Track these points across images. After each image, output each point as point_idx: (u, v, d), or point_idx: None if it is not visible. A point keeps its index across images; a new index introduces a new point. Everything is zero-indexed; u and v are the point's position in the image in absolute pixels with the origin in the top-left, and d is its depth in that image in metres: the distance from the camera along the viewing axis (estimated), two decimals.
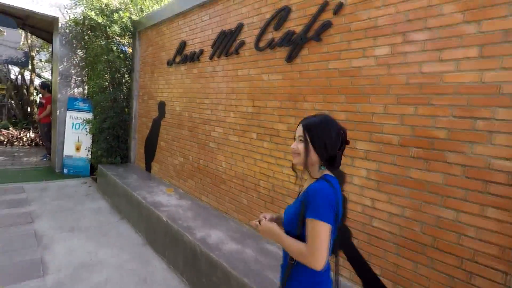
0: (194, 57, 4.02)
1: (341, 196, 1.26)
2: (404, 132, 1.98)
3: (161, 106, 4.91)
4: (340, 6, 2.31)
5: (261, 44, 3.00)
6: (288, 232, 1.26)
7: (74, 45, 6.51)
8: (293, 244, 1.20)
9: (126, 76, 5.91)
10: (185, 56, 4.22)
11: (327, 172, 1.27)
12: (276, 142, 2.85)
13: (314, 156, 1.23)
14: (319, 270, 1.13)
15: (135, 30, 5.66)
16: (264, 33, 2.96)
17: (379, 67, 2.10)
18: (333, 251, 1.31)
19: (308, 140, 1.23)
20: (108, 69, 5.73)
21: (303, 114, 2.59)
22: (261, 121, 3.01)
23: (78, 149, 6.51)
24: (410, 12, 1.94)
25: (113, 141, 5.73)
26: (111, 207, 4.78)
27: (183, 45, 4.26)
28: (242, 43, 3.23)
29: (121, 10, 5.50)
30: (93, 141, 6.33)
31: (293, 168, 1.38)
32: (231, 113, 3.41)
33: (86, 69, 6.64)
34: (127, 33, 5.78)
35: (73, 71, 6.60)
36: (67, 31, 6.35)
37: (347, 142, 1.27)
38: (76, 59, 6.61)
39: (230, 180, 3.43)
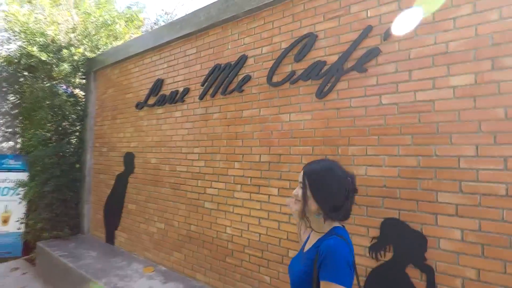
0: (176, 98, 3.32)
1: (353, 250, 1.12)
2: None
3: (128, 158, 3.98)
4: (389, 31, 1.92)
5: (277, 79, 2.47)
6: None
7: (4, 89, 5.30)
8: None
9: (77, 124, 4.86)
10: (162, 97, 3.49)
11: (336, 223, 1.17)
12: None
13: (313, 205, 1.13)
14: None
15: (90, 69, 4.78)
16: (280, 66, 2.45)
17: (459, 100, 1.68)
18: None
19: (307, 186, 1.14)
20: (53, 116, 4.64)
21: (349, 161, 2.04)
22: (285, 172, 2.37)
23: (5, 221, 5.00)
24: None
25: (59, 207, 4.47)
26: None
27: (159, 84, 3.55)
28: (247, 78, 2.67)
29: (72, 46, 4.62)
30: (29, 210, 4.92)
31: (301, 217, 1.19)
32: (235, 164, 2.72)
33: (20, 117, 5.40)
34: (78, 73, 4.85)
35: (1, 121, 5.31)
36: None
37: (355, 191, 1.17)
38: (6, 107, 5.36)
39: (241, 251, 2.63)
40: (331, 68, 2.15)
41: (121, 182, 4.08)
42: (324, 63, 2.19)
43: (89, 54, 4.90)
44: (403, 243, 1.83)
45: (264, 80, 2.55)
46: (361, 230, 1.97)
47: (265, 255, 2.46)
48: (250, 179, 2.60)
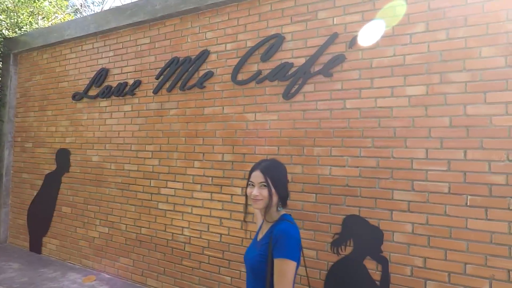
0: (125, 90, 3.04)
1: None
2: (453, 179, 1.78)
3: (62, 155, 3.51)
4: (355, 40, 2.04)
5: (242, 77, 2.43)
6: (255, 275, 1.26)
7: None
8: None
9: None
10: (107, 89, 3.15)
11: (283, 211, 1.33)
12: None
13: (275, 198, 1.28)
14: None
15: (8, 51, 4.06)
16: (245, 64, 2.42)
17: (413, 108, 1.88)
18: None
19: (270, 184, 1.26)
20: None
21: (314, 161, 2.13)
22: (247, 172, 2.35)
23: None
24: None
25: None
26: None
27: (103, 73, 3.20)
28: (210, 75, 2.57)
29: None
30: None
31: (247, 214, 1.47)
32: (195, 163, 2.61)
33: None
34: None
35: None
36: None
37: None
38: None
39: (200, 253, 2.54)
40: (298, 70, 2.21)
41: (52, 182, 3.58)
42: (292, 65, 2.24)
43: (7, 33, 4.16)
44: (362, 237, 1.98)
45: (228, 78, 2.49)
46: (324, 227, 2.08)
47: (226, 255, 2.42)
48: (212, 179, 2.52)
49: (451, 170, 1.79)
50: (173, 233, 2.68)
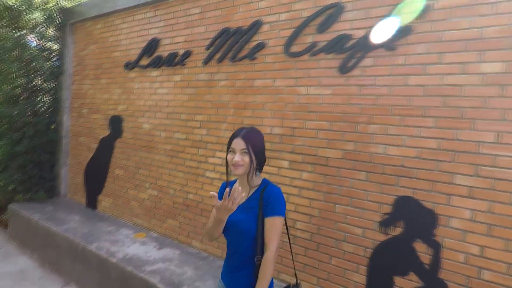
0: (175, 61, 3.09)
1: None
2: None
3: (115, 122, 3.72)
4: (424, 10, 1.88)
5: (295, 49, 2.36)
6: (243, 236, 1.35)
7: None
8: (268, 274, 1.29)
9: (51, 81, 4.39)
10: (158, 58, 3.23)
11: (261, 176, 1.45)
12: (323, 173, 2.24)
13: (255, 164, 1.36)
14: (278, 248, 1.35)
15: (65, 21, 4.27)
16: (300, 35, 2.34)
17: (487, 87, 1.73)
18: None
19: (251, 150, 1.34)
20: (22, 71, 4.14)
21: (368, 139, 2.07)
22: (298, 146, 2.36)
23: None
24: None
25: (34, 169, 4.14)
26: (41, 266, 3.33)
27: (154, 44, 3.26)
28: (261, 46, 2.53)
29: None
30: None
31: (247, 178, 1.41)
32: None
33: None
34: (52, 25, 4.31)
35: None
36: None
37: None
38: None
39: None
40: (357, 43, 2.09)
41: (106, 146, 3.84)
42: (350, 37, 2.13)
43: (65, 4, 4.34)
44: (414, 220, 1.93)
45: (280, 49, 2.44)
46: (373, 206, 2.05)
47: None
48: None
49: None
50: None
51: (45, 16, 4.12)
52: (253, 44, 2.58)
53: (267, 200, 1.32)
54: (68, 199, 4.36)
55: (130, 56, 3.53)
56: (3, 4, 3.87)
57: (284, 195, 2.41)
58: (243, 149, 1.33)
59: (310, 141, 2.30)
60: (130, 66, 3.51)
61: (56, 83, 4.39)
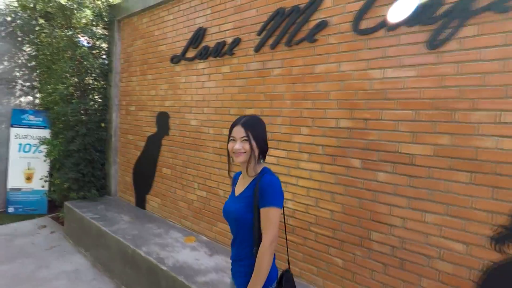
0: (223, 50, 2.84)
1: None
2: None
3: (162, 119, 3.60)
4: None
5: (367, 25, 1.97)
6: (240, 226, 1.35)
7: (19, 39, 4.83)
8: (263, 266, 1.25)
9: (101, 79, 4.43)
10: (205, 49, 3.01)
11: (264, 164, 1.42)
12: (407, 174, 1.83)
13: (256, 152, 1.34)
14: (275, 242, 1.26)
15: (113, 18, 4.25)
16: (372, 8, 1.94)
17: None
18: None
19: (251, 138, 1.32)
20: (74, 70, 4.21)
21: (471, 130, 1.62)
22: (372, 141, 1.96)
23: (29, 178, 4.79)
24: None
25: (86, 167, 4.19)
26: (93, 266, 3.31)
27: (201, 33, 3.05)
28: (323, 25, 2.17)
29: None
30: (52, 168, 4.69)
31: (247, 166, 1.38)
32: (302, 129, 2.31)
33: (38, 70, 4.98)
34: (100, 22, 4.33)
35: (18, 73, 4.89)
36: (8, 19, 4.67)
37: None
38: (22, 58, 4.91)
39: (306, 229, 2.31)
40: (453, 8, 1.65)
41: (154, 144, 3.74)
42: (441, 1, 1.69)
43: (112, 0, 4.34)
44: None
45: (347, 27, 2.06)
46: (481, 216, 1.60)
47: (339, 235, 2.13)
48: (323, 148, 2.20)
49: None
50: None
51: (94, 14, 4.14)
52: (312, 23, 2.23)
53: (261, 189, 1.28)
54: (117, 198, 4.37)
55: (176, 49, 3.37)
56: (57, 3, 3.94)
57: (355, 200, 2.09)
58: (243, 137, 1.32)
59: (388, 135, 1.90)
60: (176, 59, 3.34)
61: (105, 81, 4.41)
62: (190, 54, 3.18)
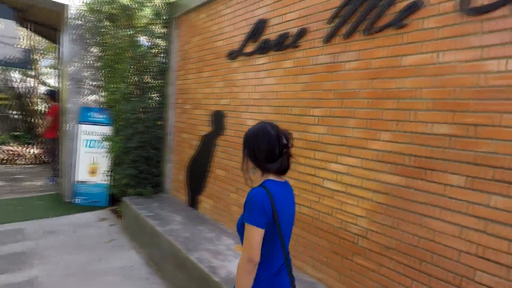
0: (285, 43, 2.55)
1: (278, 198, 1.26)
2: None
3: (217, 118, 3.44)
4: None
5: (482, 1, 1.51)
6: (240, 237, 1.32)
7: (88, 41, 5.09)
8: (236, 282, 1.25)
9: (158, 78, 4.45)
10: (265, 43, 2.75)
11: (271, 177, 1.32)
12: None
13: (249, 163, 1.34)
14: (252, 263, 1.20)
15: (171, 15, 4.22)
16: None
17: None
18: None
19: (245, 150, 1.34)
20: (134, 69, 4.27)
21: None
22: (484, 154, 1.51)
23: (93, 172, 5.05)
24: None
25: (143, 165, 4.25)
26: (147, 264, 3.29)
27: (261, 26, 2.79)
28: (416, 6, 1.75)
29: None
30: (113, 164, 4.86)
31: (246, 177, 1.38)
32: (381, 134, 1.92)
33: (103, 70, 5.21)
34: (159, 21, 4.33)
35: (86, 73, 5.16)
36: (79, 22, 4.93)
37: (285, 146, 1.30)
38: (90, 59, 5.18)
39: (380, 253, 1.93)
40: None
41: (208, 144, 3.60)
42: None
43: None
44: None
45: (450, 7, 1.62)
46: None
47: (426, 268, 1.71)
48: (409, 158, 1.79)
49: None
50: (343, 220, 2.14)
51: (153, 12, 4.15)
52: (401, 5, 1.82)
53: (244, 203, 1.28)
54: (171, 196, 4.36)
55: (233, 44, 3.16)
56: (120, 4, 4.01)
57: (453, 227, 1.64)
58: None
59: (509, 146, 1.43)
60: (233, 55, 3.14)
61: (163, 79, 4.42)
62: (249, 48, 2.95)
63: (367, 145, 1.99)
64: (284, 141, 1.30)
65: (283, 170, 1.34)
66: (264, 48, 2.76)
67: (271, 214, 1.23)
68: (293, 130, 2.50)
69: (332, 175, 2.21)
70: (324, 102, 2.26)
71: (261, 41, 2.80)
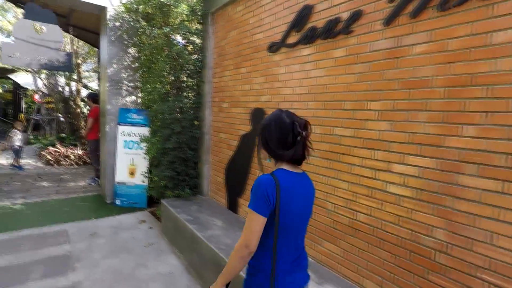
0: (336, 29, 2.27)
1: (283, 186, 1.21)
2: None
3: (257, 116, 3.23)
4: None
5: None
6: None
7: (125, 42, 5.13)
8: (228, 265, 1.24)
9: (194, 76, 4.35)
10: (311, 31, 2.49)
11: (284, 166, 1.28)
12: None
13: (262, 152, 1.33)
14: (248, 249, 1.17)
15: (207, 11, 4.09)
16: None
17: None
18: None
19: (259, 139, 1.33)
20: (171, 67, 4.20)
21: None
22: None
23: (132, 173, 5.08)
24: None
25: (180, 166, 4.16)
26: (187, 271, 3.16)
27: (306, 12, 2.54)
28: None
29: None
30: (150, 165, 4.85)
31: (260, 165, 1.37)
32: (464, 129, 1.59)
33: (140, 71, 5.23)
34: (195, 17, 4.22)
35: (124, 75, 5.21)
36: (117, 23, 4.98)
37: (299, 134, 1.24)
38: (127, 60, 5.22)
39: (468, 273, 1.59)
40: None
41: (247, 144, 3.41)
42: None
43: None
44: None
45: None
46: None
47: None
48: (506, 158, 1.45)
49: None
50: (413, 231, 1.83)
51: (189, 8, 4.04)
52: None
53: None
54: (209, 198, 4.23)
55: (274, 35, 2.93)
56: (156, 0, 3.95)
57: None
58: None
59: None
60: (275, 47, 2.91)
61: (198, 77, 4.31)
62: (292, 39, 2.71)
63: (444, 142, 1.66)
64: (298, 129, 1.23)
65: (297, 159, 1.28)
66: (310, 37, 2.50)
67: (273, 203, 1.18)
68: (347, 127, 2.21)
69: (397, 178, 1.90)
70: (385, 93, 1.96)
71: (306, 30, 2.54)
